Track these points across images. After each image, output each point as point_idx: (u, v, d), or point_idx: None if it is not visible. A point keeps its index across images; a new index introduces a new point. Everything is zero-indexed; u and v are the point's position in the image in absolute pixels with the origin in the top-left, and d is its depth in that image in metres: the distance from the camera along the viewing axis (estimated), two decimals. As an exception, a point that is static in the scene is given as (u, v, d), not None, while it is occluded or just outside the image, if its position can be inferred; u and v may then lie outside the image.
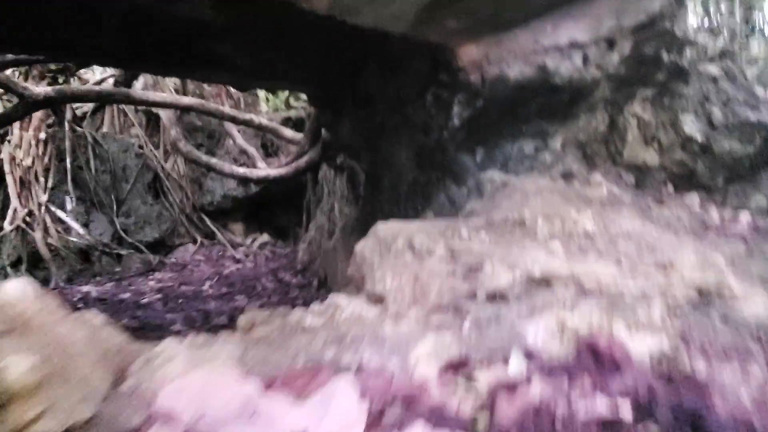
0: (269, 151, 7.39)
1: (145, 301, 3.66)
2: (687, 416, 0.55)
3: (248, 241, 7.29)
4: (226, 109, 5.04)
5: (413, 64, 2.47)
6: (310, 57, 2.59)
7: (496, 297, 0.96)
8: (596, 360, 0.71)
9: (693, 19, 2.30)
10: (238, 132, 6.49)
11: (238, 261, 5.45)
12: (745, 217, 2.04)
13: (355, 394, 0.67)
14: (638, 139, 2.61)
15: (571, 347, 0.77)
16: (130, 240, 5.93)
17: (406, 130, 2.80)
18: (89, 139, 5.86)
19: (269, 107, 7.55)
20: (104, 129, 6.72)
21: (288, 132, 5.13)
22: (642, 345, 0.72)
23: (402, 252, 1.18)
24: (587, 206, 1.60)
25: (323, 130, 3.83)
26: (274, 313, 1.16)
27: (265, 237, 7.52)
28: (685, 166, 2.51)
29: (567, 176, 2.39)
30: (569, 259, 1.07)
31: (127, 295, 3.85)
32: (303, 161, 4.55)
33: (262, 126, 5.15)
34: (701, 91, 2.47)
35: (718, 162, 2.44)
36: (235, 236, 7.26)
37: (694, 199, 2.44)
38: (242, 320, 1.10)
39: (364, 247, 1.29)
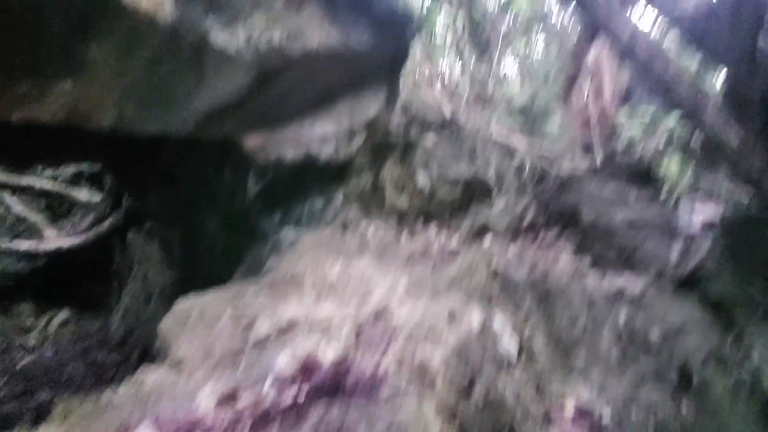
0: (58, 213, 6.48)
1: None
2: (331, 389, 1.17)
3: (42, 322, 6.20)
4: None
5: (206, 149, 2.88)
6: (102, 156, 2.74)
7: (261, 342, 1.48)
8: (305, 370, 1.30)
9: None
10: (14, 196, 5.56)
11: (32, 349, 4.65)
12: (454, 240, 3.14)
13: (154, 432, 1.08)
14: (393, 190, 3.61)
15: (296, 366, 1.34)
16: None
17: (212, 200, 3.16)
18: None
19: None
20: None
21: (83, 194, 4.76)
22: (330, 354, 1.34)
23: (195, 322, 1.60)
24: (341, 255, 2.31)
25: (127, 196, 3.81)
26: (86, 399, 1.41)
27: (64, 314, 6.49)
28: (424, 207, 3.61)
29: (345, 226, 3.15)
30: (313, 305, 1.68)
31: None
32: (105, 226, 4.33)
33: (46, 191, 4.65)
34: (424, 156, 3.62)
35: (441, 203, 3.62)
36: (22, 320, 6.06)
37: (432, 229, 3.52)
38: (57, 410, 1.32)
39: (165, 324, 1.65)
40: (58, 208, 6.19)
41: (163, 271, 3.66)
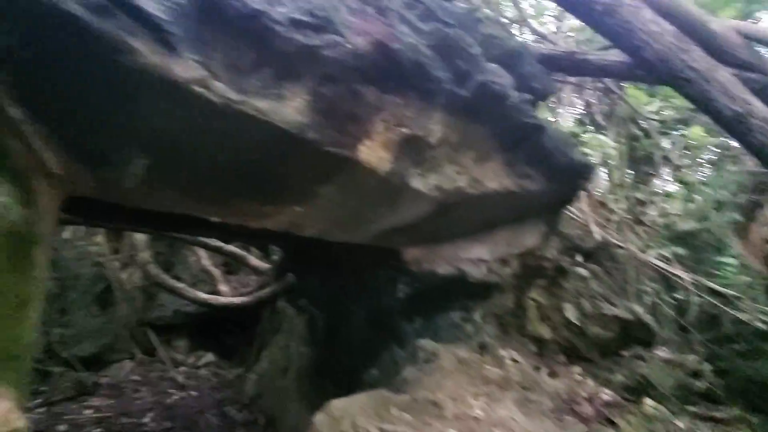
0: (229, 269, 7.70)
1: (86, 437, 3.60)
2: None
3: (191, 359, 7.17)
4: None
5: (369, 250, 3.25)
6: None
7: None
8: None
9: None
10: (204, 252, 6.85)
11: (181, 386, 5.41)
12: (605, 395, 2.79)
13: None
14: (537, 317, 3.45)
15: None
16: (63, 355, 5.71)
17: (363, 293, 3.47)
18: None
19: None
20: (65, 234, 6.83)
21: (254, 261, 5.65)
22: None
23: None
24: (484, 389, 2.25)
25: (291, 274, 4.43)
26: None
27: (209, 356, 7.42)
28: (569, 342, 3.33)
29: (482, 347, 3.09)
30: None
31: (63, 429, 3.75)
32: (265, 292, 5.02)
33: (230, 253, 5.66)
34: (576, 285, 3.43)
35: (591, 341, 3.30)
36: (177, 353, 7.12)
37: (577, 369, 3.20)
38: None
39: (319, 423, 1.82)
40: (231, 265, 7.42)
41: (305, 346, 4.02)
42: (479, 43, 1.95)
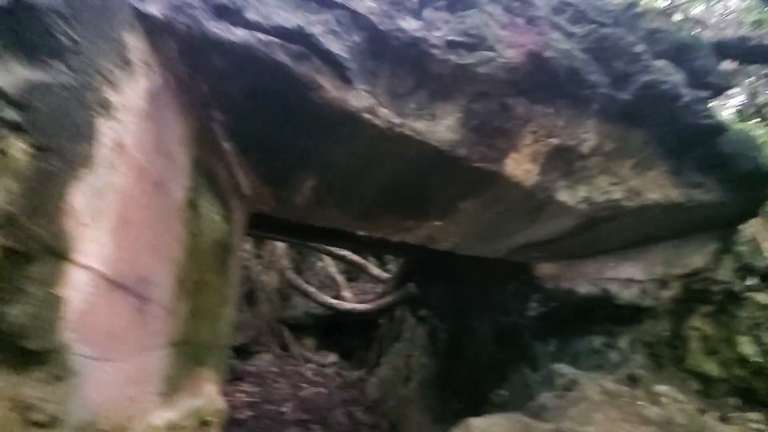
0: (350, 277, 8.19)
1: (241, 417, 4.17)
2: None
3: (318, 357, 7.75)
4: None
5: (498, 264, 3.15)
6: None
7: None
8: None
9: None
10: (331, 260, 7.39)
11: (312, 382, 5.90)
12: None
13: None
14: (701, 349, 2.92)
15: None
16: (220, 343, 6.70)
17: (489, 308, 3.37)
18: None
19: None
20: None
21: (375, 270, 5.92)
22: None
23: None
24: (644, 428, 1.98)
25: (412, 284, 4.53)
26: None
27: (333, 356, 7.95)
28: (745, 381, 2.74)
29: (632, 380, 2.73)
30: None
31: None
32: (386, 301, 5.21)
33: (353, 261, 6.03)
34: (753, 316, 2.81)
35: (780, 385, 2.66)
36: (306, 351, 7.79)
37: (754, 416, 2.62)
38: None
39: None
40: (353, 272, 7.90)
41: (427, 357, 4.05)
42: (642, 40, 1.77)
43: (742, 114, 5.70)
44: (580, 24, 1.78)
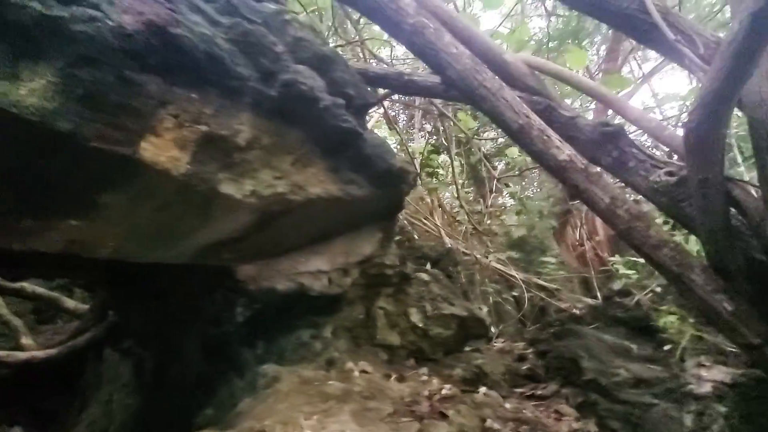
0: (42, 318, 6.27)
1: None
2: None
3: (-13, 440, 5.54)
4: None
5: (200, 272, 2.91)
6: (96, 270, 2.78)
7: None
8: None
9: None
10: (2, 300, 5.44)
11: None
12: (445, 390, 2.92)
13: None
14: (385, 325, 3.51)
15: None
16: None
17: (196, 321, 3.07)
18: None
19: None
20: None
21: (70, 303, 4.67)
22: None
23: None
24: (322, 405, 2.13)
25: (111, 313, 3.72)
26: None
27: (17, 430, 5.84)
28: (416, 344, 3.45)
29: (330, 363, 2.98)
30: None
31: None
32: (83, 339, 4.15)
33: (37, 295, 4.58)
34: (419, 290, 3.61)
35: (435, 341, 3.47)
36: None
37: (423, 370, 3.31)
38: None
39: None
40: (44, 312, 6.02)
41: (132, 395, 3.37)
42: (288, 45, 1.92)
43: (431, 144, 7.48)
44: (230, 16, 1.78)
